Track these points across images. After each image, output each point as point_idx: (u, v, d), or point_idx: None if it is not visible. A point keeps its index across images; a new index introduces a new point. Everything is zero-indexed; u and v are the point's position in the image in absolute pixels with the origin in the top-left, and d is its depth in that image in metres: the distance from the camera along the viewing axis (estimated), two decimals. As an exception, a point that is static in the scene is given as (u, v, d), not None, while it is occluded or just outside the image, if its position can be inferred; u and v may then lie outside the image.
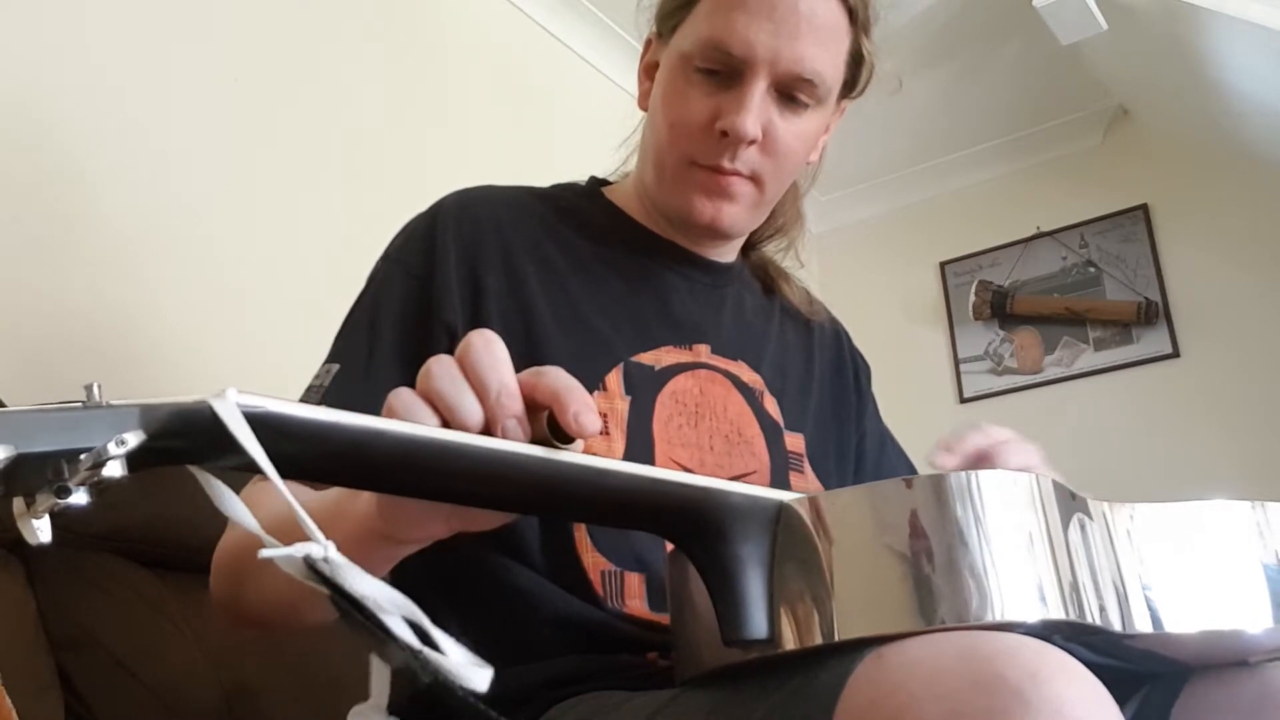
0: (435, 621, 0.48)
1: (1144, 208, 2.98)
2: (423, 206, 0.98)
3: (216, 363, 1.50)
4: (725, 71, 0.91)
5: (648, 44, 1.02)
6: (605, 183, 1.08)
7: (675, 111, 0.94)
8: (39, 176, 1.37)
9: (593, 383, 0.91)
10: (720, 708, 0.62)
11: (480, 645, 0.84)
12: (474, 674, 0.45)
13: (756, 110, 0.91)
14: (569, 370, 0.90)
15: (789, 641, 0.58)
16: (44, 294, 1.33)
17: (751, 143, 0.92)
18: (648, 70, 1.01)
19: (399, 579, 0.63)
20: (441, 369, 0.60)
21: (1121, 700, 0.73)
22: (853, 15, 0.94)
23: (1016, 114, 3.05)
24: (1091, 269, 3.00)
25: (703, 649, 0.64)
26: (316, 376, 0.88)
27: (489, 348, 0.61)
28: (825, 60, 0.92)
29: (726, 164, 0.93)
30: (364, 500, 0.64)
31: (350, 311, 0.94)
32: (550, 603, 0.85)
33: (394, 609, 0.47)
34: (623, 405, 0.91)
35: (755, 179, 0.95)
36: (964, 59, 2.80)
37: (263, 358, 1.56)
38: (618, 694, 0.76)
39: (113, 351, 1.39)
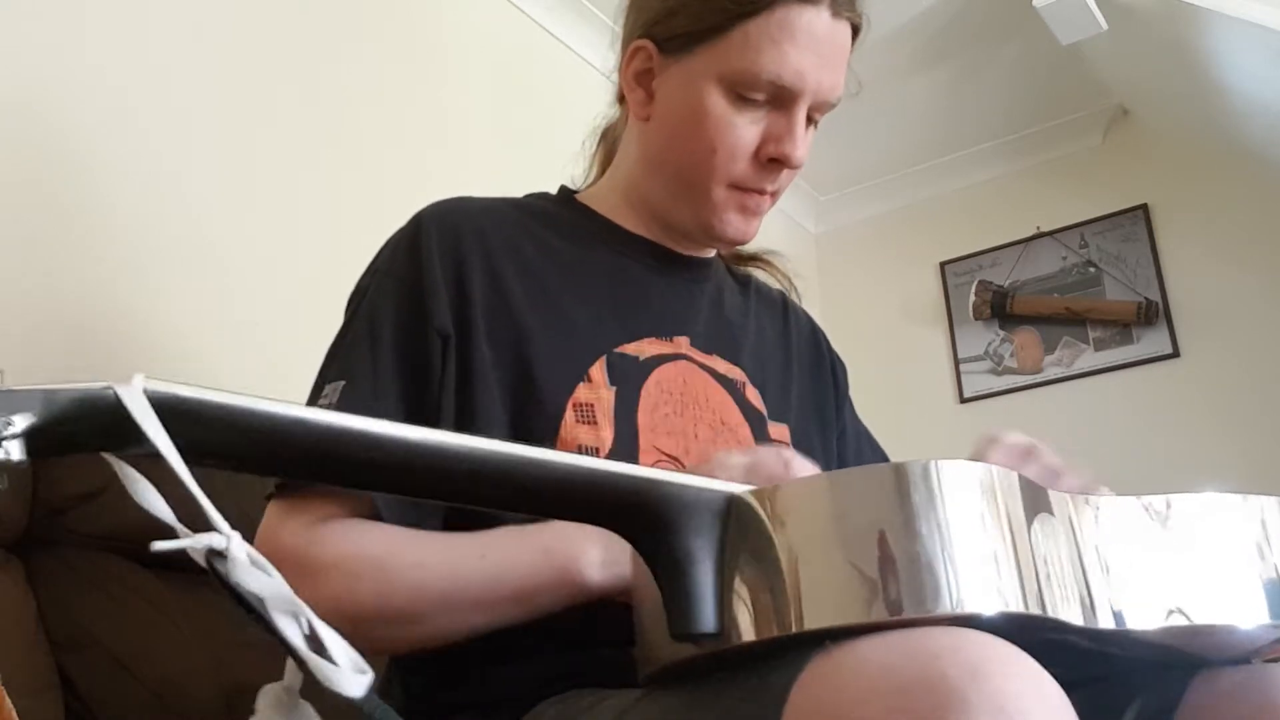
0: None
1: (1144, 208, 2.97)
2: (422, 205, 0.99)
3: (215, 359, 1.50)
4: (769, 99, 0.94)
5: (636, 50, 1.00)
6: (575, 191, 1.09)
7: (720, 137, 0.95)
8: (38, 174, 1.36)
9: (577, 374, 0.92)
10: (678, 709, 0.62)
11: (466, 646, 0.84)
12: (352, 681, 0.45)
13: (804, 138, 0.96)
14: (554, 364, 0.91)
15: (739, 635, 0.57)
16: (43, 291, 1.33)
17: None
18: (640, 79, 1.00)
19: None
20: None
21: (1124, 700, 0.73)
22: (855, 34, 0.98)
23: (1016, 114, 3.04)
24: (1091, 269, 3.00)
25: (659, 644, 0.63)
26: (324, 396, 0.88)
27: None
28: (842, 83, 0.97)
29: (769, 187, 0.98)
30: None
31: (346, 327, 0.94)
32: None
33: (284, 605, 0.46)
34: (608, 395, 0.92)
35: (776, 194, 1.00)
36: (964, 59, 2.80)
37: (261, 355, 1.56)
38: (594, 693, 0.76)
39: (111, 348, 1.39)
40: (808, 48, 0.92)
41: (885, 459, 1.18)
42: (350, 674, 0.45)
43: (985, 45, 2.74)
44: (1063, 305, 2.99)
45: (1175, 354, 2.83)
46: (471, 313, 0.91)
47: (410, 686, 0.89)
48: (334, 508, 0.83)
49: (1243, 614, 0.64)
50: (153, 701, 1.05)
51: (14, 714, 0.51)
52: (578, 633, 0.84)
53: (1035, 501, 0.61)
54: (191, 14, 1.61)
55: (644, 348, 0.97)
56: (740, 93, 0.93)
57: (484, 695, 0.85)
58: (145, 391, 0.46)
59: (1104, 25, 2.46)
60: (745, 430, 0.98)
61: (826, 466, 1.06)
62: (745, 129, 0.94)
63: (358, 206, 1.76)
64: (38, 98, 1.38)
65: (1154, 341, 2.86)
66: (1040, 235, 3.08)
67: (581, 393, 0.91)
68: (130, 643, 1.07)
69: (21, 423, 0.44)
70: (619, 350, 0.95)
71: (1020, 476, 0.61)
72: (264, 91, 1.70)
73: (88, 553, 1.09)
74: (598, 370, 0.93)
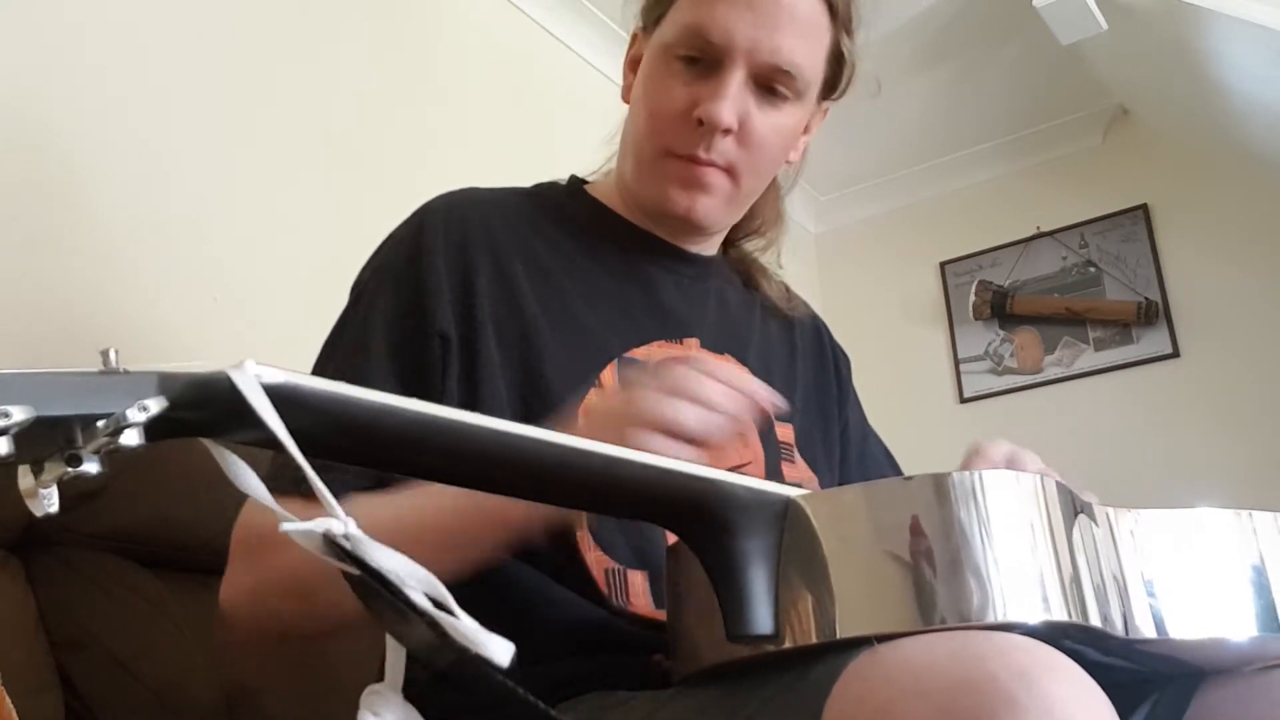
0: None
1: (1144, 208, 2.97)
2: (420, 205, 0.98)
3: (213, 361, 1.49)
4: (705, 60, 0.92)
5: (634, 38, 1.02)
6: (586, 181, 1.08)
7: (654, 100, 0.94)
8: (36, 174, 1.36)
9: (589, 379, 0.91)
10: (716, 703, 0.62)
11: None
12: (495, 644, 0.45)
13: (733, 99, 0.91)
14: (565, 368, 0.90)
15: (792, 638, 0.58)
16: (42, 291, 1.33)
17: (727, 132, 0.92)
18: (632, 64, 1.02)
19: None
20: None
21: (1131, 707, 0.73)
22: (834, 12, 0.94)
23: (1016, 114, 3.04)
24: (1091, 269, 3.00)
25: (702, 646, 0.64)
26: None
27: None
28: (804, 53, 0.93)
29: (702, 154, 0.93)
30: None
31: (343, 323, 0.93)
32: (555, 604, 0.85)
33: (416, 583, 0.46)
34: None
35: (730, 171, 0.95)
36: (964, 59, 2.80)
37: (259, 356, 1.56)
38: (618, 694, 0.76)
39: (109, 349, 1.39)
40: (741, 4, 0.90)
41: (889, 456, 1.18)
42: (492, 638, 0.44)
43: (985, 45, 2.74)
44: (1063, 305, 2.99)
45: (1175, 354, 2.83)
46: (478, 313, 0.90)
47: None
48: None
49: (1258, 625, 0.65)
50: (153, 701, 1.05)
51: (14, 714, 0.51)
52: (597, 638, 0.83)
53: (1076, 509, 0.62)
54: (190, 14, 1.61)
55: (653, 351, 0.96)
56: (677, 54, 0.93)
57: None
58: (255, 377, 0.45)
59: (1104, 25, 2.46)
60: (753, 434, 0.97)
61: (830, 465, 1.05)
62: (676, 90, 0.92)
63: (357, 206, 1.76)
64: (38, 98, 1.38)
65: (1154, 341, 2.86)
66: (1040, 235, 3.08)
67: (593, 399, 0.90)
68: (130, 643, 1.07)
69: (155, 406, 0.42)
70: (629, 355, 0.94)
71: (1060, 485, 0.61)
72: (263, 92, 1.70)
73: (88, 553, 1.09)
74: (608, 375, 0.92)
